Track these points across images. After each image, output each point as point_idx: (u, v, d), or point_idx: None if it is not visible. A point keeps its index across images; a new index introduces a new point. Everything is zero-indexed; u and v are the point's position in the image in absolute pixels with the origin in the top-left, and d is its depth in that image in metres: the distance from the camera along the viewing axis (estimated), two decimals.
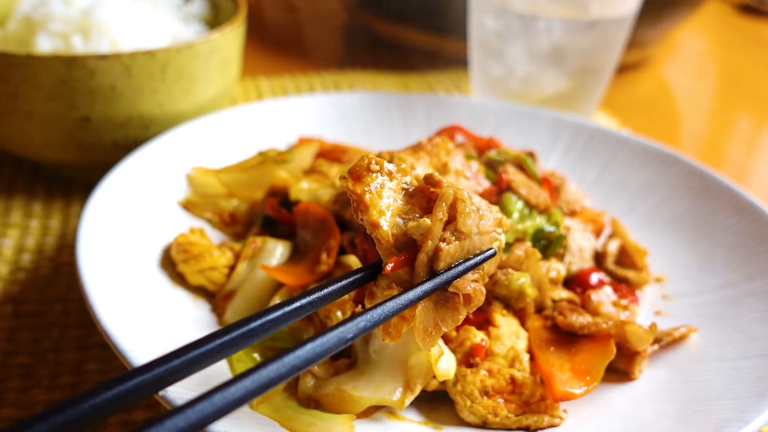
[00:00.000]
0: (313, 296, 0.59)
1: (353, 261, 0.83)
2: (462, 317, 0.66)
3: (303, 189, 0.95)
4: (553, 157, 1.18)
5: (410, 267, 0.65)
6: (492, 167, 0.95)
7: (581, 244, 0.95)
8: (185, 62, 1.06)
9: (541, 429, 0.73)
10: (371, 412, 0.73)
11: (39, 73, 0.99)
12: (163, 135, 1.04)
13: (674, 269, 0.97)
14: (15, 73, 0.99)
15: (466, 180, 0.90)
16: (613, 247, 0.99)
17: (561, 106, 1.34)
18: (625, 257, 0.98)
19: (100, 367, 0.85)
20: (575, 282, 0.92)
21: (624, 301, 0.88)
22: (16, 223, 1.09)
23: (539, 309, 0.86)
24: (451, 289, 0.65)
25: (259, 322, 0.54)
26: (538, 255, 0.84)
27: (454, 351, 0.76)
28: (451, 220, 0.66)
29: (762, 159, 1.58)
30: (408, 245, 0.66)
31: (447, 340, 0.77)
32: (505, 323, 0.81)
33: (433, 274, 0.65)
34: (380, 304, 0.59)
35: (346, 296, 0.78)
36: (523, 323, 0.84)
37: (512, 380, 0.75)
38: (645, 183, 1.11)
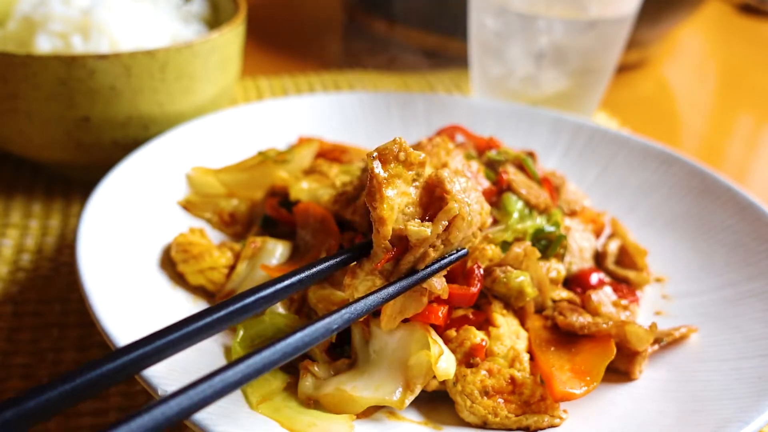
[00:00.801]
0: (302, 275, 0.64)
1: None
2: (423, 308, 0.71)
3: (303, 189, 0.95)
4: (553, 157, 1.18)
5: (395, 261, 0.69)
6: (492, 167, 0.95)
7: (581, 244, 0.95)
8: (185, 62, 1.06)
9: (541, 429, 0.73)
10: (371, 412, 0.72)
11: (39, 73, 0.99)
12: (163, 135, 1.04)
13: (674, 269, 0.97)
14: (15, 73, 0.99)
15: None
16: (613, 247, 0.99)
17: (561, 106, 1.34)
18: (625, 257, 0.98)
19: None
20: (575, 282, 0.92)
21: (624, 301, 0.88)
22: (15, 223, 1.09)
23: (539, 309, 0.86)
24: (424, 285, 0.70)
25: (252, 298, 0.59)
26: (537, 253, 0.84)
27: (454, 351, 0.76)
28: (444, 229, 0.69)
29: (762, 159, 1.58)
30: (399, 240, 0.68)
31: (447, 340, 0.77)
32: (505, 323, 0.81)
33: (411, 270, 0.69)
34: (362, 297, 0.65)
35: (346, 296, 0.78)
36: (523, 323, 0.83)
37: (512, 380, 0.75)
38: (645, 183, 1.10)
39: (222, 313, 0.56)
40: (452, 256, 0.72)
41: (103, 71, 1.00)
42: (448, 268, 0.73)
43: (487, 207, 0.76)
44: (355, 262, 0.70)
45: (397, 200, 0.68)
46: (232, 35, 1.15)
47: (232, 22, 1.15)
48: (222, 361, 0.75)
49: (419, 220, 0.69)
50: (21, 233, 1.07)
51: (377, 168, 0.68)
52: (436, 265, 0.70)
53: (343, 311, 0.62)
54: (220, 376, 0.49)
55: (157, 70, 1.04)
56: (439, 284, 0.71)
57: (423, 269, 0.69)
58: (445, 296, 0.72)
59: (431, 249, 0.68)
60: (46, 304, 0.94)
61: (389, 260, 0.68)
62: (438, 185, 0.70)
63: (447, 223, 0.68)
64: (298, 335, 0.56)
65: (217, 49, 1.12)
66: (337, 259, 0.68)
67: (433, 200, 0.70)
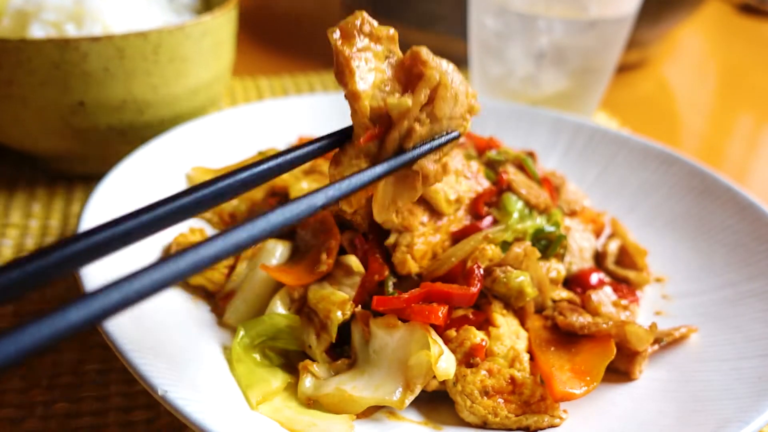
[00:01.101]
0: (280, 159, 0.60)
1: (353, 261, 0.83)
2: (418, 195, 0.67)
3: (303, 189, 0.95)
4: (553, 157, 1.18)
5: (380, 141, 0.65)
6: (492, 167, 0.95)
7: (581, 244, 0.95)
8: (177, 44, 1.07)
9: (541, 429, 0.73)
10: (371, 412, 0.73)
11: (33, 58, 0.99)
12: (163, 135, 1.04)
13: (674, 269, 0.97)
14: (8, 59, 0.99)
15: (466, 180, 0.90)
16: (613, 247, 0.99)
17: (561, 106, 1.34)
18: (625, 257, 0.98)
19: (100, 367, 0.85)
20: (575, 282, 0.92)
21: (624, 301, 0.88)
22: (15, 223, 1.09)
23: (539, 309, 0.86)
24: (414, 167, 0.66)
25: (229, 181, 0.56)
26: (537, 253, 0.84)
27: (454, 351, 0.76)
28: (428, 102, 0.66)
29: (762, 159, 1.58)
30: (381, 119, 0.65)
31: (447, 340, 0.77)
32: (505, 323, 0.81)
33: (399, 150, 0.66)
34: (348, 176, 0.60)
35: (346, 296, 0.78)
36: (523, 323, 0.83)
37: (512, 380, 0.75)
38: (645, 183, 1.10)
39: (204, 192, 0.54)
40: (443, 138, 0.68)
41: (96, 53, 1.01)
42: (442, 151, 0.69)
43: (472, 90, 0.72)
44: (339, 149, 0.66)
45: (370, 76, 0.64)
46: (224, 19, 1.16)
47: (224, 6, 1.16)
48: (222, 362, 0.75)
49: (399, 95, 0.65)
50: (21, 233, 1.07)
51: (340, 42, 0.64)
52: (427, 146, 0.67)
53: (327, 189, 0.57)
54: (206, 246, 0.47)
55: (150, 52, 1.04)
56: (432, 166, 0.67)
57: (412, 149, 0.66)
58: (438, 180, 0.68)
59: (417, 124, 0.65)
60: (47, 304, 0.94)
61: (372, 139, 0.64)
62: (415, 61, 0.66)
63: (429, 92, 0.65)
64: (279, 210, 0.52)
65: (210, 33, 1.12)
66: (318, 145, 0.64)
67: (411, 78, 0.66)
